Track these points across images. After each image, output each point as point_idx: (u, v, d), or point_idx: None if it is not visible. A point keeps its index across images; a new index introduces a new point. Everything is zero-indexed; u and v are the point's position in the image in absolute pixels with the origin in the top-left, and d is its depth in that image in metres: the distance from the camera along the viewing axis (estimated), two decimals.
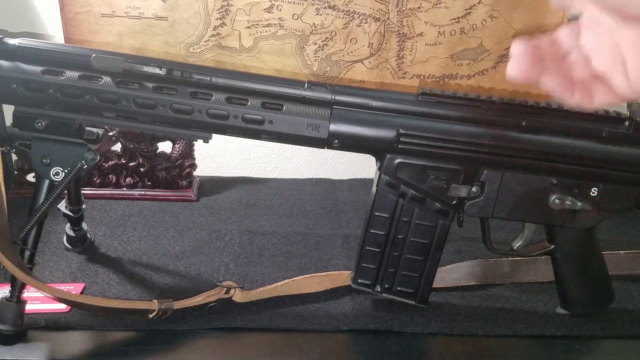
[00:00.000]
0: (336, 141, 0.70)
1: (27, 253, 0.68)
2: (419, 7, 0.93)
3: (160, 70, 0.66)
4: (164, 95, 0.67)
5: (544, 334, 0.74)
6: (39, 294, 0.69)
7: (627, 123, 0.71)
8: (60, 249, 0.85)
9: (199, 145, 1.05)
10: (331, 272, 0.80)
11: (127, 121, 0.69)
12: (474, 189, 0.72)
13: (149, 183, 1.04)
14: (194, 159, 1.05)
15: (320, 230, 0.97)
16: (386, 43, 0.95)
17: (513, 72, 0.45)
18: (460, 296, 0.81)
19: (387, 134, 0.69)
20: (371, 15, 0.93)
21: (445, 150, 0.70)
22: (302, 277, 0.79)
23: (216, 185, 1.10)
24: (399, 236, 0.74)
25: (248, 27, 0.92)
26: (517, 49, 0.45)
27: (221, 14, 0.91)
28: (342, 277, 0.79)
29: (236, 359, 0.68)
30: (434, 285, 0.76)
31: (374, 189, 0.73)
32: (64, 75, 0.66)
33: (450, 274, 0.83)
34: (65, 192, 0.79)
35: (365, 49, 0.95)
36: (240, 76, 0.68)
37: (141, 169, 1.03)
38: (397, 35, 0.94)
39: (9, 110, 0.69)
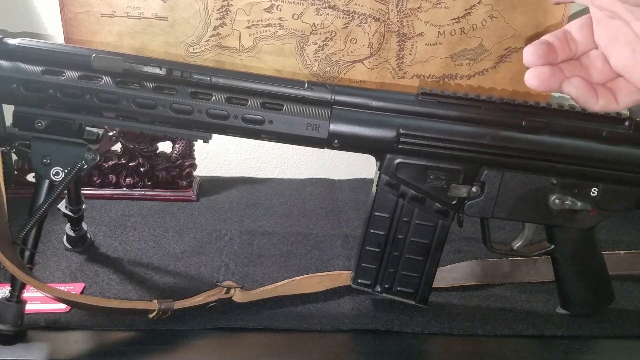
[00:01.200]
0: (336, 141, 0.70)
1: (27, 253, 0.68)
2: (419, 7, 0.93)
3: (160, 70, 0.66)
4: (164, 95, 0.67)
5: (544, 334, 0.74)
6: (39, 294, 0.69)
7: (627, 123, 0.70)
8: (60, 249, 0.85)
9: (199, 145, 1.05)
10: (331, 272, 0.80)
11: (127, 121, 0.69)
12: (474, 189, 0.72)
13: (149, 183, 1.04)
14: (194, 159, 1.05)
15: (320, 230, 0.97)
16: (386, 43, 0.95)
17: (533, 82, 0.42)
18: (460, 296, 0.81)
19: (387, 134, 0.69)
20: (371, 15, 0.93)
21: (445, 150, 0.70)
22: (302, 277, 0.79)
23: (216, 185, 1.10)
24: (399, 236, 0.74)
25: (248, 27, 0.92)
26: (531, 57, 0.43)
27: (221, 14, 0.91)
28: (342, 277, 0.79)
29: (236, 359, 0.68)
30: (434, 285, 0.76)
31: (374, 189, 0.73)
32: (64, 75, 0.66)
33: (450, 274, 0.83)
34: (65, 192, 0.79)
35: (365, 49, 0.95)
36: (240, 76, 0.68)
37: (141, 169, 1.03)
38: (397, 35, 0.94)
39: (9, 110, 0.69)
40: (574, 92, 0.43)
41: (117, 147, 1.01)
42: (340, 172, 1.19)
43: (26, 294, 0.68)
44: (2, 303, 0.67)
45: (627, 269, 0.87)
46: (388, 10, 0.93)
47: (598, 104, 0.43)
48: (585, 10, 0.46)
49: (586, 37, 0.44)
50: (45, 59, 0.65)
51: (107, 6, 0.89)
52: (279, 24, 0.92)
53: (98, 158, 0.70)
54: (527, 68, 0.44)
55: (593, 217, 0.74)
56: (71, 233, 0.84)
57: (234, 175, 1.17)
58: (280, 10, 0.91)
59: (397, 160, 0.71)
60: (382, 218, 0.74)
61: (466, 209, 0.73)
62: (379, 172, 0.72)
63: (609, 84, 0.44)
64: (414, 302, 0.76)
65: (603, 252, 0.78)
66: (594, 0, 0.41)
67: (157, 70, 0.66)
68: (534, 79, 0.43)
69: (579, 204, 0.71)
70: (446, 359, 0.71)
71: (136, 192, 1.03)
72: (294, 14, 0.92)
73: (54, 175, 0.68)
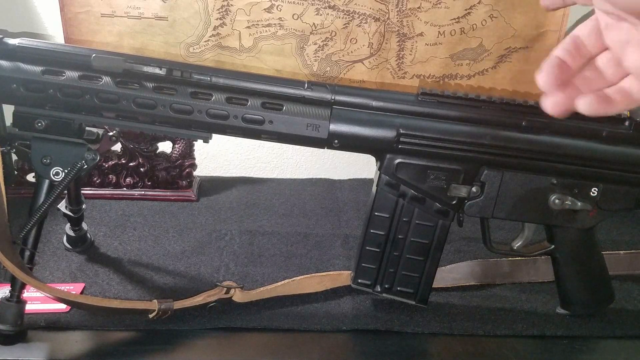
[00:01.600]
0: (336, 141, 0.70)
1: (27, 253, 0.68)
2: (419, 7, 0.93)
3: (160, 70, 0.66)
4: (164, 95, 0.67)
5: (544, 334, 0.74)
6: (39, 294, 0.69)
7: (627, 123, 0.70)
8: (60, 249, 0.85)
9: (199, 145, 1.05)
10: (331, 272, 0.80)
11: (127, 121, 0.69)
12: (474, 189, 0.72)
13: (149, 183, 1.04)
14: (194, 159, 1.05)
15: (320, 230, 0.97)
16: (386, 43, 0.95)
17: (552, 112, 0.43)
18: (460, 296, 0.81)
19: (387, 134, 0.69)
20: (371, 15, 0.93)
21: (445, 150, 0.70)
22: (302, 277, 0.79)
23: (216, 185, 1.10)
24: (399, 236, 0.74)
25: (248, 27, 0.92)
26: (545, 85, 0.43)
27: (221, 14, 0.91)
28: (342, 277, 0.79)
29: (236, 359, 0.68)
30: (434, 285, 0.76)
31: (374, 189, 0.73)
32: (64, 75, 0.66)
33: (450, 274, 0.83)
34: (65, 192, 0.79)
35: (365, 49, 0.95)
36: (240, 76, 0.68)
37: (141, 169, 1.03)
38: (397, 35, 0.94)
39: (9, 110, 0.69)
40: (587, 110, 0.43)
41: (117, 147, 1.01)
42: (340, 172, 1.18)
43: (26, 294, 0.68)
44: (2, 303, 0.67)
45: (627, 269, 0.87)
46: (388, 10, 0.93)
47: (613, 110, 0.43)
48: (588, 14, 0.46)
49: (597, 40, 0.43)
50: (45, 59, 0.65)
51: (107, 6, 0.89)
52: (279, 24, 0.92)
53: (98, 158, 0.70)
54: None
55: (593, 217, 0.74)
56: (71, 233, 0.84)
57: (234, 175, 1.17)
58: (280, 10, 0.91)
59: (397, 160, 0.71)
60: (382, 218, 0.74)
61: (466, 209, 0.73)
62: (379, 172, 0.72)
63: (623, 86, 0.43)
64: (414, 302, 0.76)
65: (603, 252, 0.78)
66: (595, 4, 0.41)
67: (157, 70, 0.66)
68: (552, 106, 0.43)
69: (579, 204, 0.71)
70: (446, 359, 0.71)
71: (136, 192, 1.03)
72: (294, 14, 0.92)
73: (54, 175, 0.68)
